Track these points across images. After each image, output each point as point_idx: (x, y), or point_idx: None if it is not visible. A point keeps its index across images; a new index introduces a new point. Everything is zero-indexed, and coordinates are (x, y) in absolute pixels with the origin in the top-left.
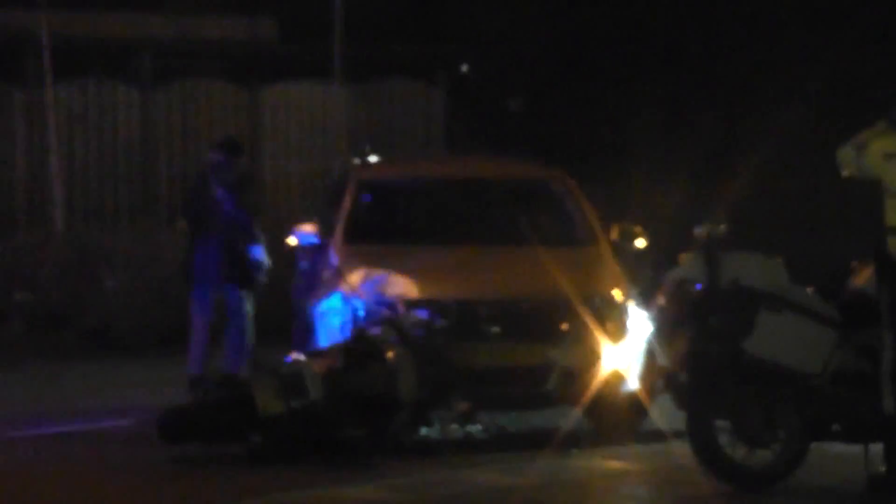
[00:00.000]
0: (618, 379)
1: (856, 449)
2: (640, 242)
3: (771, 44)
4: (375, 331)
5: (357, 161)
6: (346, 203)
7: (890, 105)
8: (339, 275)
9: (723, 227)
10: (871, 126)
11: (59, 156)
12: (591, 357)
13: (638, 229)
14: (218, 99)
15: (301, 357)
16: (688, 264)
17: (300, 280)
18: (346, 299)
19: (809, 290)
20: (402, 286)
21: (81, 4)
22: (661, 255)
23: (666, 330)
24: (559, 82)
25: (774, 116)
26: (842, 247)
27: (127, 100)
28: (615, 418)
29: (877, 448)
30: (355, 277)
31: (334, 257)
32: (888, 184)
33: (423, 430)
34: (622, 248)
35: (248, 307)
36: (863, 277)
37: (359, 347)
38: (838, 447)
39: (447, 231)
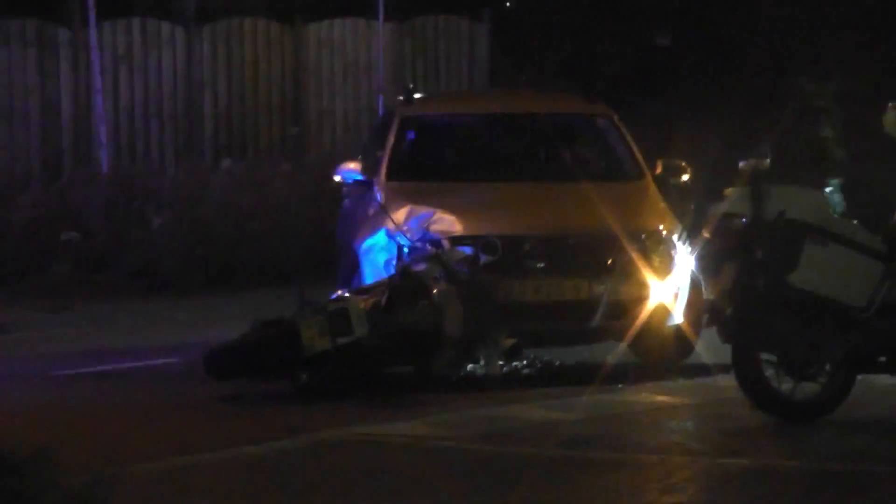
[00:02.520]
0: (663, 313)
1: None
2: (686, 177)
3: None
4: (420, 267)
5: (401, 98)
6: (390, 140)
7: None
8: (384, 212)
9: (768, 160)
10: None
11: (104, 96)
12: (637, 292)
13: (683, 164)
14: (262, 36)
15: (346, 294)
16: (733, 198)
17: (345, 217)
18: (390, 236)
19: (855, 222)
20: (446, 223)
21: None
22: (706, 190)
23: (711, 264)
24: (601, 20)
25: (825, 48)
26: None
27: (171, 38)
28: (661, 352)
29: None
30: (400, 214)
31: (379, 194)
32: None
33: (469, 367)
34: (667, 183)
35: None
36: None
37: (404, 284)
38: (884, 379)
39: (492, 167)
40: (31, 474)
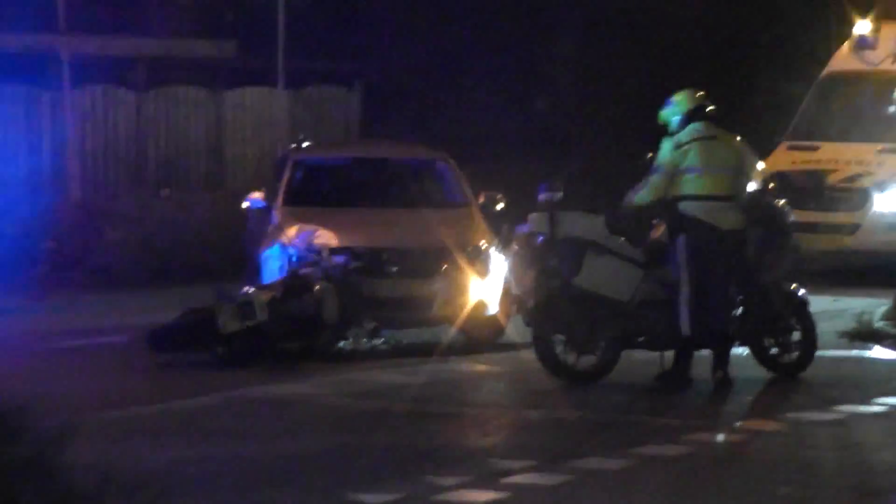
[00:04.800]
0: (483, 305)
1: (654, 355)
2: (501, 205)
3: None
4: (306, 270)
5: (294, 146)
6: (285, 176)
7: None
8: (279, 229)
9: (560, 194)
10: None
11: (75, 143)
12: (464, 289)
13: (499, 196)
14: (191, 100)
15: (252, 289)
16: (535, 221)
17: (251, 234)
18: (283, 248)
19: (622, 239)
20: (325, 237)
21: (92, 30)
22: (515, 215)
23: (518, 269)
24: (444, 87)
25: (596, 107)
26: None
27: (126, 100)
28: (481, 334)
29: (667, 354)
30: (291, 231)
31: (275, 217)
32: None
33: (341, 344)
34: (487, 210)
35: None
36: (659, 231)
37: (294, 283)
38: (642, 354)
39: (359, 197)
40: (9, 419)
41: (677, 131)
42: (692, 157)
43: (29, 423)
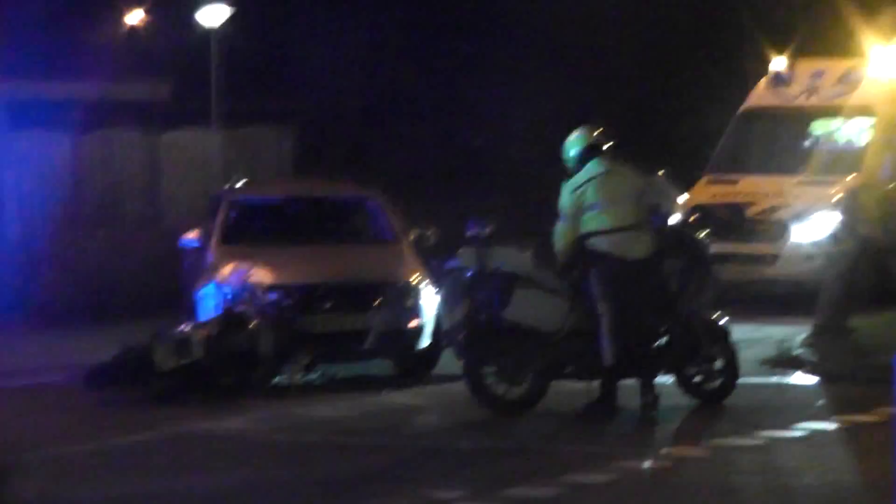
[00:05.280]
0: (416, 338)
1: (582, 384)
2: (433, 241)
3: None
4: (241, 308)
5: (228, 185)
6: (220, 215)
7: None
8: (214, 268)
9: (488, 230)
10: None
11: (12, 185)
12: (397, 323)
13: (431, 231)
14: (127, 143)
15: (188, 327)
16: (465, 256)
17: (187, 273)
18: (218, 286)
19: (550, 272)
20: (260, 275)
21: (28, 74)
22: (446, 250)
23: (449, 303)
24: (376, 124)
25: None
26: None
27: (62, 144)
28: (414, 366)
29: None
30: (226, 270)
31: (210, 255)
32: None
33: (277, 379)
34: (419, 245)
35: None
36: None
37: (229, 320)
38: (570, 384)
39: (293, 234)
40: None
41: (574, 172)
42: (591, 195)
43: None
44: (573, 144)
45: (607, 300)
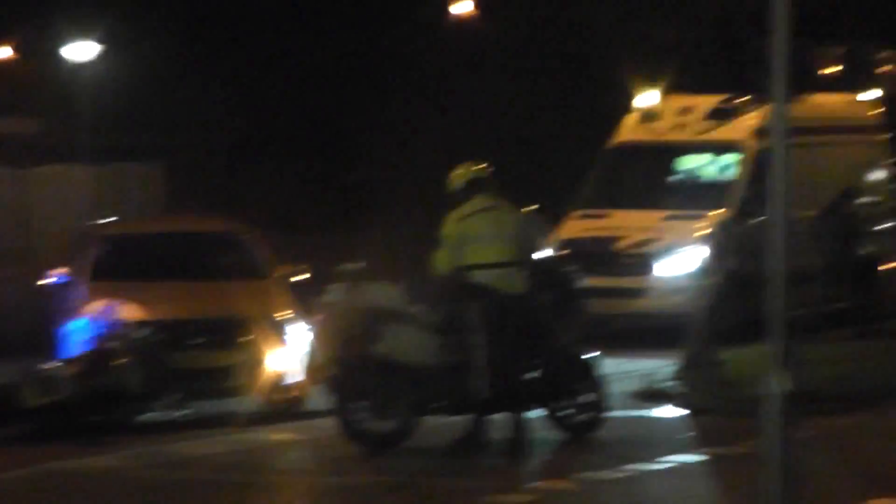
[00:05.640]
0: (286, 374)
1: (453, 419)
2: (303, 276)
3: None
4: (110, 344)
5: (98, 221)
6: (90, 251)
7: None
8: (84, 304)
9: (359, 265)
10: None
11: None
12: (267, 359)
13: (300, 267)
14: None
15: (56, 363)
16: (335, 291)
17: (58, 308)
18: (88, 322)
19: (421, 307)
20: (129, 311)
21: None
22: (318, 285)
23: (321, 338)
24: (248, 160)
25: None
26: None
27: None
28: (284, 402)
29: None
30: (95, 306)
31: (80, 291)
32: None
33: (147, 415)
34: (290, 280)
35: None
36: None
37: (98, 356)
38: (440, 419)
39: (163, 270)
40: None
41: (460, 203)
42: (475, 228)
43: None
44: (460, 177)
45: (484, 333)
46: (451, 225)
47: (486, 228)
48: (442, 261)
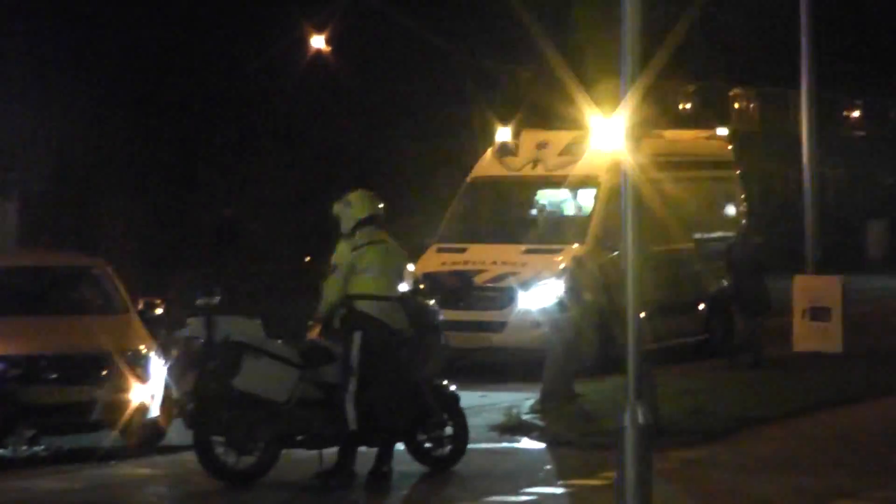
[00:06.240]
0: (144, 408)
1: (313, 453)
2: (160, 310)
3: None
4: None
5: None
6: None
7: None
8: None
9: (217, 298)
10: None
11: None
12: (124, 393)
13: (158, 301)
14: None
15: None
16: (193, 325)
17: None
18: None
19: (279, 341)
20: None
21: None
22: (175, 319)
23: (178, 372)
24: (101, 195)
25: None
26: (304, 307)
27: None
28: (142, 437)
29: (327, 451)
30: None
31: None
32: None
33: (1, 451)
34: (146, 315)
35: None
36: (315, 332)
37: None
38: (301, 453)
39: (17, 304)
40: None
41: (350, 232)
42: (369, 259)
43: None
44: (354, 206)
45: (361, 364)
46: (345, 253)
47: (377, 261)
48: (333, 287)
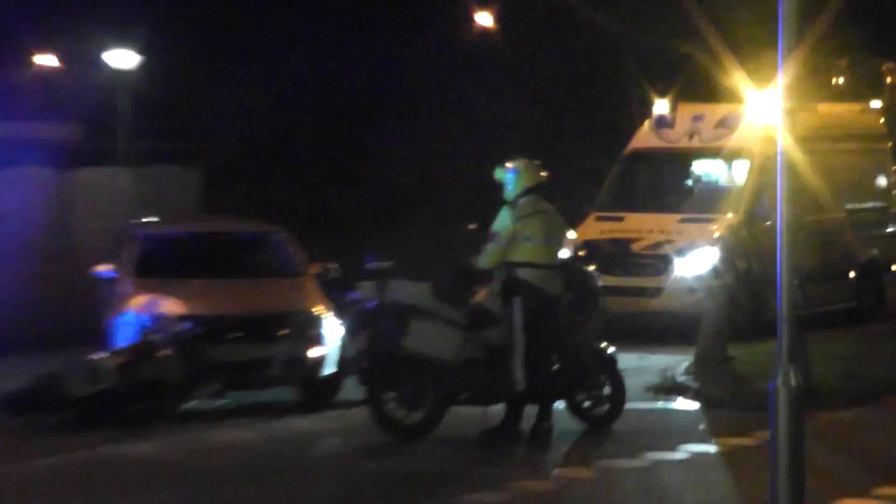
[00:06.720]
0: (319, 366)
1: (478, 409)
2: (335, 274)
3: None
4: (153, 337)
5: (139, 221)
6: (134, 249)
7: None
8: (129, 299)
9: (388, 263)
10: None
11: None
12: (302, 351)
13: (332, 265)
14: (40, 179)
15: (101, 355)
16: (365, 289)
17: (104, 302)
18: (133, 316)
19: (446, 304)
20: (173, 306)
21: None
22: (349, 283)
23: (352, 333)
24: (279, 164)
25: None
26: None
27: None
28: (320, 392)
29: (493, 409)
30: (141, 299)
31: (127, 286)
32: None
33: (188, 405)
34: (322, 278)
35: None
36: (481, 295)
37: (142, 348)
38: (466, 409)
39: (202, 268)
40: None
41: (515, 200)
42: (533, 228)
43: None
44: (520, 175)
45: (524, 329)
46: (508, 221)
47: (540, 231)
48: (492, 255)
